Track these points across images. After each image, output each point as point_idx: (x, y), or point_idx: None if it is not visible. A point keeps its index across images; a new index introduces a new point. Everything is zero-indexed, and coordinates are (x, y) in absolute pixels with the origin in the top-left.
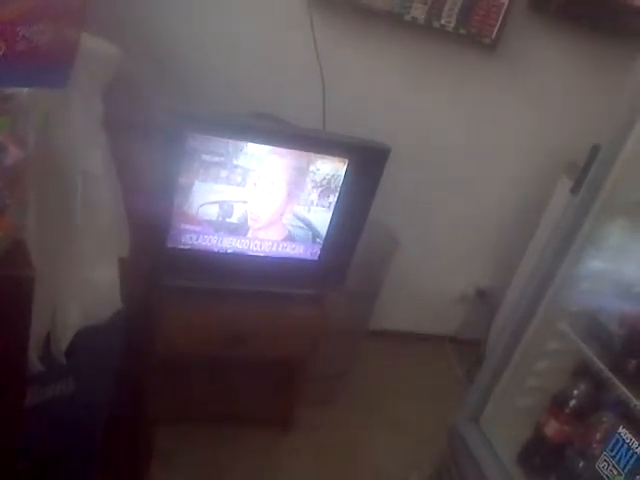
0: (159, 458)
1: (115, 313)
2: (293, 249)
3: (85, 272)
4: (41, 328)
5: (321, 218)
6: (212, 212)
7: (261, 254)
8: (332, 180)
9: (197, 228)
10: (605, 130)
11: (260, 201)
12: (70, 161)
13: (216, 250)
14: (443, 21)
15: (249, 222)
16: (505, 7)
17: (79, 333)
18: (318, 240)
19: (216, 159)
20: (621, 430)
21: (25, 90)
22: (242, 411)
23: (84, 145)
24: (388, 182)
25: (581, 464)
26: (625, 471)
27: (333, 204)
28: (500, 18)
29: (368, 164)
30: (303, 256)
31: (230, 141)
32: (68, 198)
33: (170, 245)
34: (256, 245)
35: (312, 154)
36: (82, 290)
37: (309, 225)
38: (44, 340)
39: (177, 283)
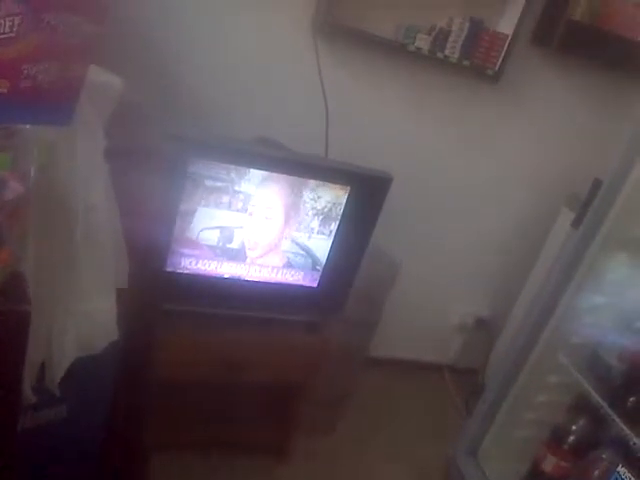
0: None
1: (111, 343)
2: (292, 276)
3: (83, 303)
4: (36, 358)
5: (321, 246)
6: (213, 237)
7: (260, 280)
8: (333, 208)
9: (197, 252)
10: (607, 164)
11: (260, 226)
12: (72, 193)
13: (215, 275)
14: (447, 52)
15: (249, 249)
16: (509, 40)
17: (73, 363)
18: (318, 267)
19: (218, 184)
20: (620, 469)
21: (28, 126)
22: (238, 438)
23: (86, 177)
24: (389, 210)
25: None
26: None
27: (334, 232)
28: (503, 51)
29: (370, 193)
30: (302, 283)
31: (232, 167)
32: (69, 230)
33: (169, 269)
34: (255, 271)
35: (314, 181)
36: (79, 321)
37: (309, 252)
38: (38, 370)
39: (175, 308)
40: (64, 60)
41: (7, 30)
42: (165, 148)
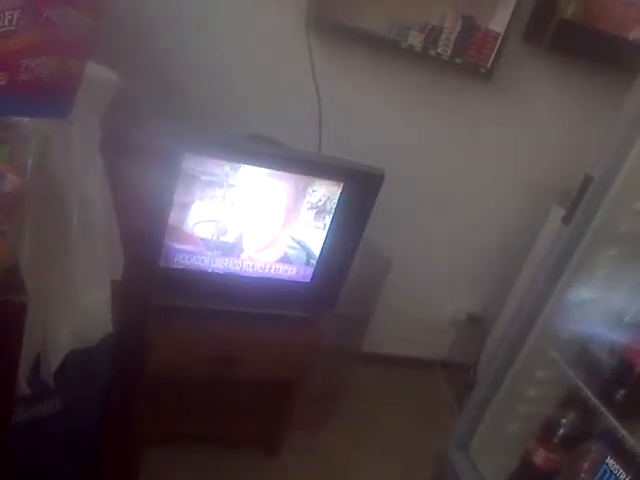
0: (146, 478)
1: (105, 336)
2: (286, 271)
3: (78, 296)
4: (31, 350)
5: (315, 239)
6: (207, 231)
7: (254, 275)
8: (327, 202)
9: (191, 247)
10: (597, 160)
11: (256, 222)
12: (68, 186)
13: (209, 270)
14: (439, 50)
15: (244, 243)
16: (500, 38)
17: (68, 355)
18: (312, 261)
19: (212, 179)
20: (609, 461)
21: (26, 119)
22: (231, 432)
23: (82, 170)
24: (383, 206)
25: None
26: None
27: (328, 225)
28: (495, 48)
29: (363, 188)
30: (296, 278)
31: (226, 162)
32: (64, 222)
33: (163, 264)
34: (249, 266)
35: (307, 177)
36: (74, 314)
37: (304, 246)
38: (33, 362)
39: (169, 302)
40: (63, 54)
41: (6, 24)
42: (159, 143)
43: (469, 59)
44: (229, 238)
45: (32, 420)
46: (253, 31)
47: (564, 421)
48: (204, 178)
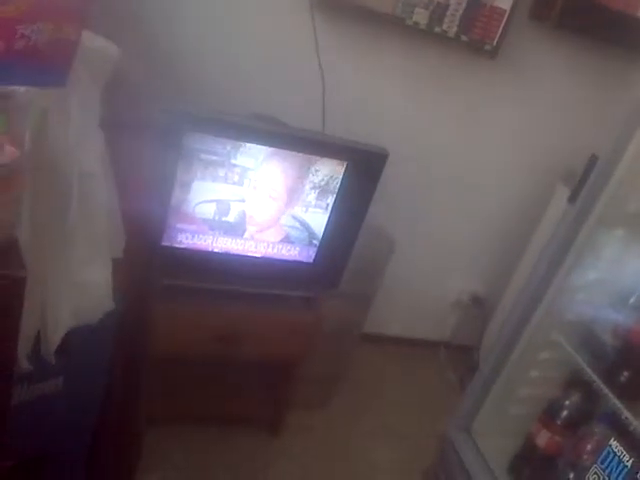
0: (148, 458)
1: (107, 314)
2: (289, 251)
3: (78, 273)
4: (31, 327)
5: (318, 219)
6: (209, 210)
7: (256, 255)
8: (330, 181)
9: (193, 227)
10: (603, 140)
11: (258, 202)
12: (67, 160)
13: (211, 250)
14: (445, 27)
15: (247, 223)
16: (507, 15)
17: (69, 333)
18: (314, 242)
19: (214, 158)
20: (612, 442)
21: (23, 88)
22: (232, 412)
23: (81, 144)
24: (386, 186)
25: (571, 475)
26: None
27: (330, 205)
28: (501, 26)
29: (366, 168)
30: (299, 258)
31: (228, 141)
32: (64, 197)
33: (165, 244)
34: (251, 246)
35: (310, 156)
36: (74, 290)
37: (306, 226)
38: (34, 339)
39: (171, 282)
40: (59, 20)
41: None
42: (160, 120)
43: (475, 36)
44: (231, 218)
45: (35, 399)
46: (257, 10)
47: (567, 403)
48: (205, 157)
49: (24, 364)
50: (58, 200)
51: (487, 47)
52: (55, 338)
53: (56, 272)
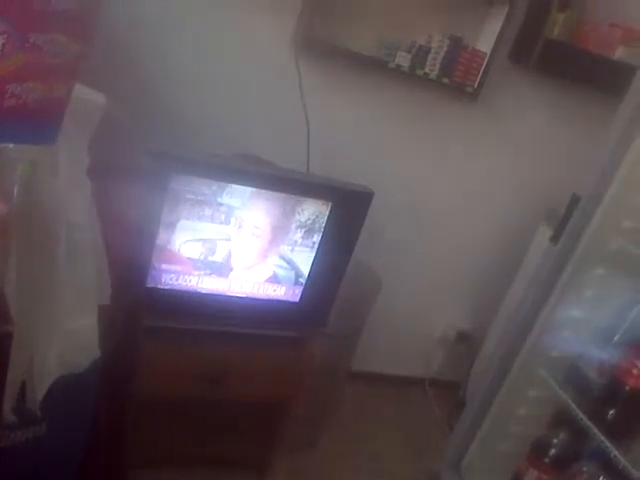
0: None
1: (92, 361)
2: (274, 290)
3: (66, 322)
4: (17, 379)
5: (304, 258)
6: (195, 250)
7: (242, 295)
8: (316, 220)
9: (178, 267)
10: (585, 180)
11: (245, 240)
12: (55, 212)
13: (197, 290)
14: (427, 69)
15: (232, 263)
16: (487, 58)
17: (54, 381)
18: (301, 280)
19: (200, 198)
20: None
21: (11, 145)
22: (220, 454)
23: (69, 195)
24: (372, 224)
25: None
26: None
27: (317, 244)
28: (482, 69)
29: (351, 207)
30: (285, 298)
31: (214, 182)
32: (51, 248)
33: (151, 285)
34: (237, 286)
35: (296, 196)
36: (61, 340)
37: (292, 265)
38: (19, 390)
39: (157, 323)
40: (49, 80)
41: None
42: (147, 164)
43: (456, 79)
44: (218, 257)
45: (17, 445)
46: (241, 51)
47: (555, 441)
48: (192, 197)
49: (9, 417)
50: (45, 252)
51: (468, 89)
52: (42, 389)
53: (44, 322)
